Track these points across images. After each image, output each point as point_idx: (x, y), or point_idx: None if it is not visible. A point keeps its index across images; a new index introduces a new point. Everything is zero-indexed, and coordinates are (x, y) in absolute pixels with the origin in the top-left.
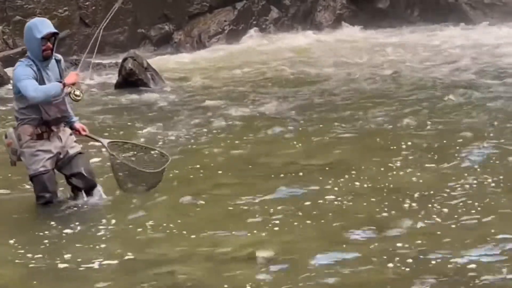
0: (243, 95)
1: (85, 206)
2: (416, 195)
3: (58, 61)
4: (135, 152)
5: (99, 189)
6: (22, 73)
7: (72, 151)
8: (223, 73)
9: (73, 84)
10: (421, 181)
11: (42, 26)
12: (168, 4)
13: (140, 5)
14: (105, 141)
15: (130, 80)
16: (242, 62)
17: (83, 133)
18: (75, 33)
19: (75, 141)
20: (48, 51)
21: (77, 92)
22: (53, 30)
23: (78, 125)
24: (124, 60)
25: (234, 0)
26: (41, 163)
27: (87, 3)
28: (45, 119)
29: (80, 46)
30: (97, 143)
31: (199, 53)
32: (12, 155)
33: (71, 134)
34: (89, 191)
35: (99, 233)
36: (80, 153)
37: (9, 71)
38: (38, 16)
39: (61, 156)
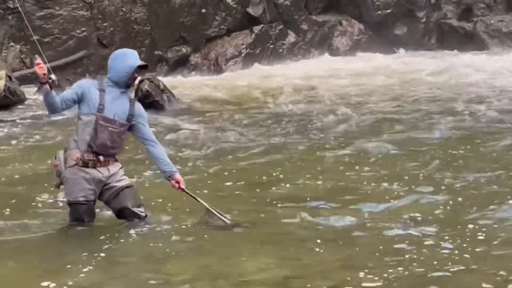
0: (259, 117)
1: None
2: None
3: (131, 101)
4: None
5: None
6: (75, 84)
7: (119, 184)
8: (240, 96)
9: (43, 74)
10: None
11: (136, 56)
12: (186, 26)
13: (157, 27)
14: (205, 205)
15: (146, 102)
16: (258, 85)
17: (181, 186)
18: (92, 54)
19: (125, 175)
20: (133, 80)
21: (53, 77)
22: (143, 62)
23: (178, 176)
24: (141, 81)
25: (251, 23)
26: (83, 192)
27: (104, 24)
28: (91, 142)
29: (97, 67)
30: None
31: (215, 76)
32: (56, 177)
33: (121, 168)
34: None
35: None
36: (128, 186)
37: (26, 90)
38: (56, 36)
39: (106, 187)
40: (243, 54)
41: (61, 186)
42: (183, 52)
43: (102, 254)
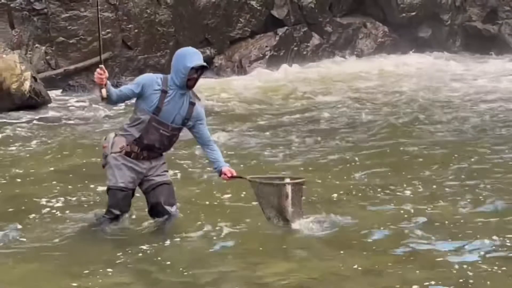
0: (282, 119)
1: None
2: None
3: (191, 103)
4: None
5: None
6: (137, 79)
7: (158, 179)
8: (263, 98)
9: (100, 84)
10: None
11: (195, 57)
12: (210, 28)
13: (182, 29)
14: (247, 177)
15: None
16: (282, 87)
17: (231, 175)
18: (117, 56)
19: (166, 171)
20: (193, 82)
21: (103, 92)
22: (202, 63)
23: (226, 168)
24: None
25: (275, 26)
26: (123, 179)
27: (129, 26)
28: (140, 139)
29: (121, 69)
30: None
31: (239, 78)
32: (103, 158)
33: (164, 163)
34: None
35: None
36: (165, 183)
37: (51, 92)
38: (81, 38)
39: (146, 178)
40: (267, 56)
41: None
42: (207, 54)
43: (126, 257)
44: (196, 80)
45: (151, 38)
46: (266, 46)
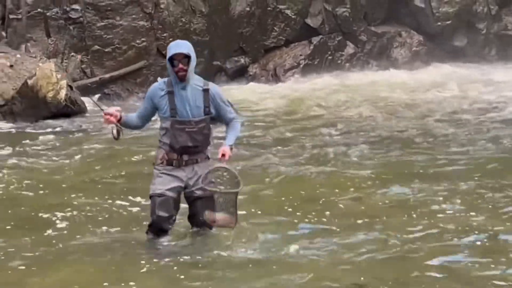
0: (318, 129)
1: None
2: None
3: (205, 90)
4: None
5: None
6: (146, 96)
7: (198, 193)
8: (297, 107)
9: (110, 123)
10: None
11: (173, 47)
12: (245, 37)
13: (216, 38)
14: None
15: None
16: (317, 96)
17: (222, 159)
18: (152, 64)
19: (212, 182)
20: (182, 72)
21: (114, 131)
22: (180, 51)
23: (222, 148)
24: None
25: (310, 34)
26: (160, 186)
27: (164, 35)
28: (172, 145)
29: (156, 77)
30: None
31: (274, 86)
32: None
33: (208, 172)
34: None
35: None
36: (205, 197)
37: (85, 100)
38: (117, 46)
39: (188, 189)
40: (301, 65)
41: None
42: (242, 62)
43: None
44: (185, 70)
45: None
46: (301, 55)
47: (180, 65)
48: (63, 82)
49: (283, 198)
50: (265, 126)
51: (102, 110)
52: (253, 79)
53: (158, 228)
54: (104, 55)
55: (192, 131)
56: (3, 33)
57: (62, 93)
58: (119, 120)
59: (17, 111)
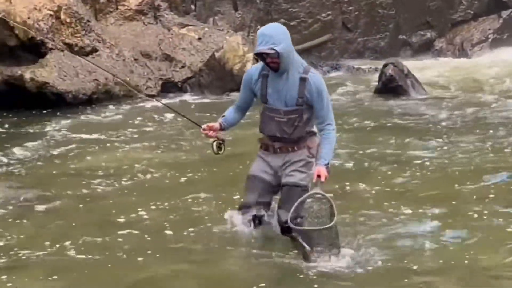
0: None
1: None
2: None
3: (302, 79)
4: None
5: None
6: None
7: (284, 180)
8: (487, 84)
9: (209, 137)
10: None
11: (258, 40)
12: (432, 11)
13: (403, 11)
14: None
15: (390, 86)
16: (507, 73)
17: (321, 179)
18: (337, 38)
19: (297, 170)
20: (274, 64)
21: (214, 146)
22: (261, 50)
23: (317, 169)
24: (385, 66)
25: (499, 8)
26: (256, 167)
27: (350, 8)
28: (264, 132)
29: (341, 51)
30: None
31: (460, 61)
32: None
33: (301, 160)
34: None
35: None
36: (288, 185)
37: None
38: (302, 20)
39: (279, 175)
40: (490, 40)
41: None
42: (428, 36)
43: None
44: (276, 62)
45: (371, 20)
46: (489, 29)
47: (269, 59)
48: (250, 55)
49: None
50: (452, 103)
51: (200, 126)
52: (439, 53)
53: (244, 210)
54: (290, 28)
55: (282, 121)
56: (192, 6)
57: (248, 66)
58: (221, 129)
59: (204, 84)
